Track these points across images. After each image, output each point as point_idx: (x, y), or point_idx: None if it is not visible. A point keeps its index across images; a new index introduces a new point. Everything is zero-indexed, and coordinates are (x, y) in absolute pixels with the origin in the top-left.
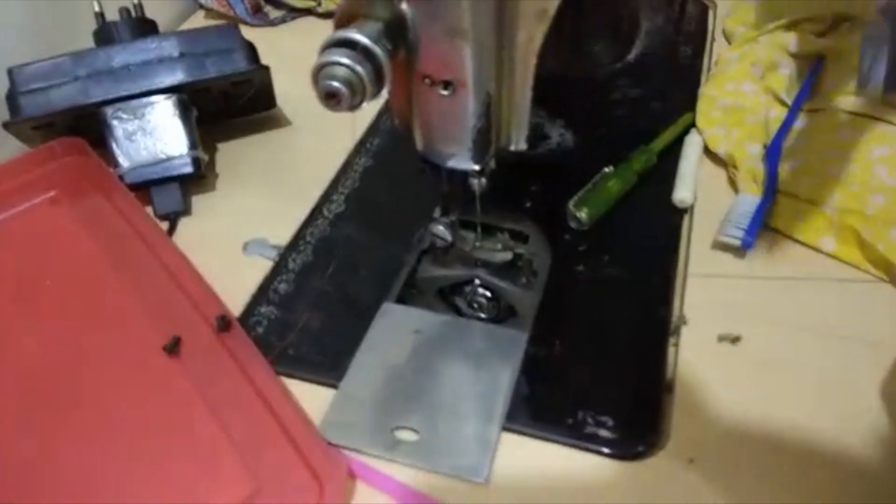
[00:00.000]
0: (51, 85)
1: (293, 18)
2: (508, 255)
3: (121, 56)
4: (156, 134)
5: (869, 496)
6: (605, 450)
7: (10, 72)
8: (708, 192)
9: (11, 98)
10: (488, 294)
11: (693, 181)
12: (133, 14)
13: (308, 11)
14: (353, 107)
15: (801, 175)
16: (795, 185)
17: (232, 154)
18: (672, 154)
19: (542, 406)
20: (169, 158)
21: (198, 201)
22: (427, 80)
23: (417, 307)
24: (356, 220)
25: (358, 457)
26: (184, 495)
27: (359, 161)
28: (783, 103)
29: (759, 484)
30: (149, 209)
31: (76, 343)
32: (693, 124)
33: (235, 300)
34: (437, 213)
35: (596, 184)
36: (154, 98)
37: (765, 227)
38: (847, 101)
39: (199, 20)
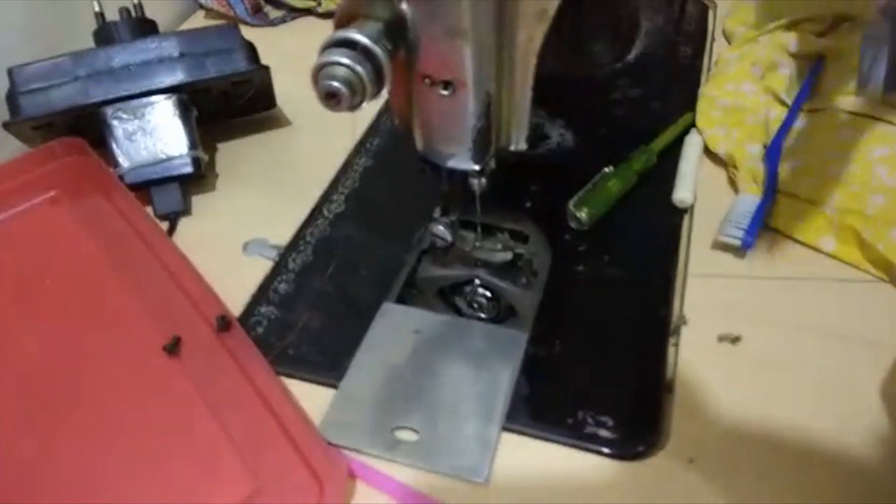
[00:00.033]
0: (51, 85)
1: (293, 18)
2: (508, 255)
3: (121, 56)
4: (156, 134)
5: (869, 496)
6: (605, 450)
7: (10, 72)
8: (708, 192)
9: (11, 98)
10: (488, 294)
11: (693, 181)
12: (133, 14)
13: (308, 11)
14: (354, 107)
15: (801, 175)
16: (795, 185)
17: (232, 154)
18: (672, 154)
19: (542, 406)
20: (169, 158)
21: (198, 201)
22: (427, 80)
23: (417, 307)
24: (356, 220)
25: (358, 457)
26: (184, 495)
27: (359, 161)
28: (783, 103)
29: (760, 484)
30: (149, 209)
31: (76, 343)
32: (693, 124)
33: (235, 300)
34: (437, 213)
35: (596, 184)
36: (154, 98)
37: (765, 227)
38: (847, 101)
39: (199, 20)
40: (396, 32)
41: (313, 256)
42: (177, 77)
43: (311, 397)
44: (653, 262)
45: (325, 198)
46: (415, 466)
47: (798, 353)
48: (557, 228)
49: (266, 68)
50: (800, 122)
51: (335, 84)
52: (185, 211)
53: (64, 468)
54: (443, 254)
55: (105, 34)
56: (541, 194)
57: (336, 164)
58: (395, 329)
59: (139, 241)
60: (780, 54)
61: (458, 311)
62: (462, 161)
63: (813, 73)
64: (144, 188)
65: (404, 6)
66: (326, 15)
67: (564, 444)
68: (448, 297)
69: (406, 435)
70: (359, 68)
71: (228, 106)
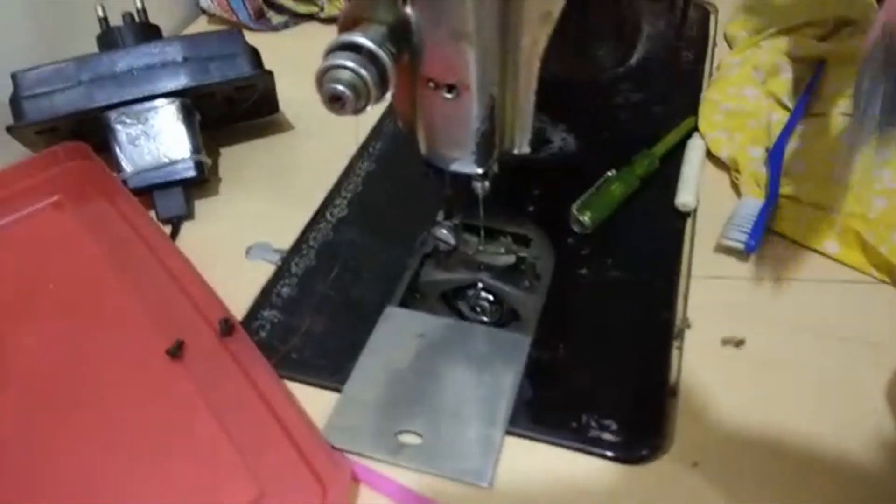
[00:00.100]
0: (54, 89)
1: (296, 24)
2: (511, 259)
3: (124, 61)
4: (159, 138)
5: (872, 500)
6: (609, 453)
7: (13, 76)
8: (710, 195)
9: (15, 102)
10: (491, 298)
11: (696, 185)
12: (136, 19)
13: (311, 17)
14: (358, 110)
15: (804, 178)
16: (798, 189)
17: (235, 158)
18: (674, 158)
19: (545, 409)
20: (172, 162)
21: (201, 205)
22: (431, 84)
23: (420, 311)
24: (359, 224)
25: (361, 460)
26: (187, 499)
27: (361, 165)
28: (785, 107)
29: (762, 488)
30: (152, 213)
31: (79, 347)
32: (695, 128)
33: (238, 304)
34: (440, 216)
35: (599, 187)
36: (157, 102)
37: (768, 230)
38: (848, 104)
39: (201, 25)
40: (400, 36)
41: (316, 260)
42: (180, 82)
43: (315, 401)
44: (656, 266)
45: (328, 202)
46: (418, 470)
47: (801, 356)
48: (560, 232)
49: (269, 73)
50: (802, 126)
51: (339, 87)
52: (189, 215)
53: (66, 471)
54: (446, 257)
55: (109, 39)
56: (543, 198)
57: (339, 169)
58: (399, 333)
59: (142, 245)
60: (782, 58)
61: (461, 315)
62: (465, 165)
63: (815, 77)
64: (148, 192)
65: (408, 10)
66: (329, 20)
67: (568, 447)
68: (451, 300)
69: (409, 438)
70: (363, 72)
71: (232, 110)
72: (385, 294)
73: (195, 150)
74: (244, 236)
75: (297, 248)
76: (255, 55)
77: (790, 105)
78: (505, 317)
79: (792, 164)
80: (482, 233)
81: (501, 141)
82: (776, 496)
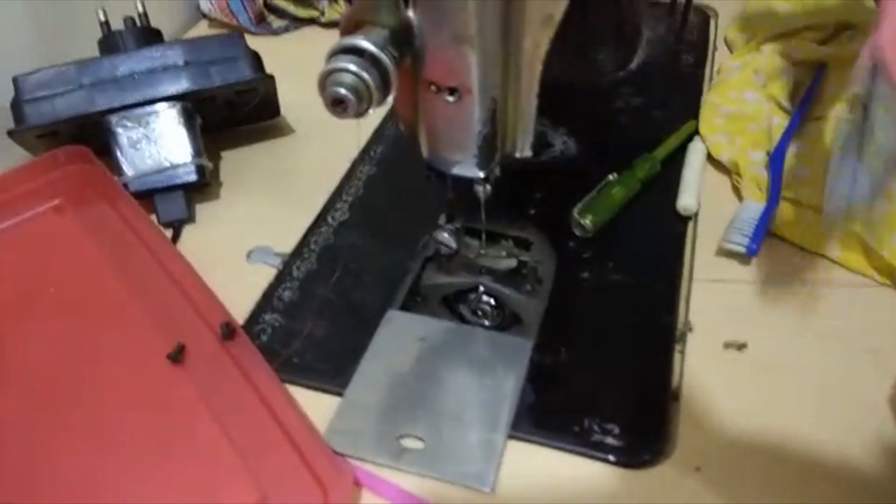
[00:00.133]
0: (55, 93)
1: (296, 28)
2: (513, 263)
3: (126, 64)
4: (160, 142)
5: None
6: (612, 458)
7: (15, 80)
8: (712, 199)
9: (16, 106)
10: (493, 301)
11: (697, 188)
12: (138, 23)
13: (311, 21)
14: (360, 113)
15: (805, 182)
16: (799, 192)
17: (236, 162)
18: (675, 162)
19: (547, 413)
20: (173, 166)
21: (202, 209)
22: (433, 87)
23: (422, 315)
24: (360, 228)
25: (363, 465)
26: (188, 503)
27: (363, 169)
28: (785, 111)
29: (765, 493)
30: (153, 217)
31: (80, 350)
32: (696, 132)
33: (239, 308)
34: (441, 220)
35: (600, 191)
36: (159, 106)
37: (769, 233)
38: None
39: (202, 29)
40: (402, 39)
41: (317, 264)
42: (181, 85)
43: (316, 405)
44: (657, 269)
45: (329, 206)
46: (420, 474)
47: (803, 360)
48: (562, 235)
49: (271, 77)
50: (802, 130)
51: (342, 91)
52: (190, 219)
53: (66, 474)
54: (447, 261)
55: (110, 43)
56: (545, 201)
57: (340, 172)
58: (400, 337)
59: (143, 248)
60: (783, 62)
61: (463, 319)
62: (467, 168)
63: (815, 81)
64: (149, 196)
65: (410, 13)
66: (329, 24)
67: (570, 451)
68: (452, 304)
69: (411, 443)
70: (365, 75)
71: (233, 114)
72: (386, 298)
73: (196, 153)
74: (245, 240)
75: (298, 251)
76: (256, 59)
77: (791, 108)
78: (506, 320)
79: (793, 168)
80: (484, 236)
81: (503, 144)
82: (778, 501)
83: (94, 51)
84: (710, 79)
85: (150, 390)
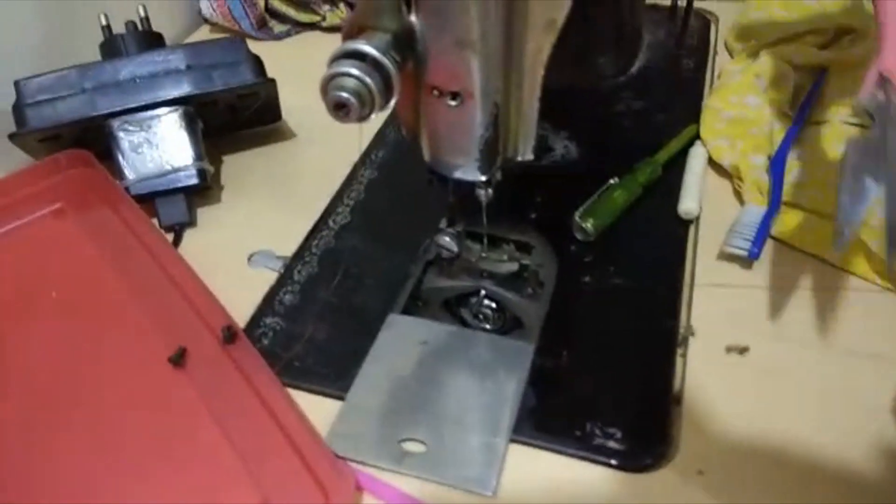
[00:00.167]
0: (57, 97)
1: (298, 32)
2: (514, 266)
3: (127, 68)
4: (162, 146)
5: None
6: (614, 462)
7: (16, 84)
8: (713, 203)
9: (18, 110)
10: (494, 305)
11: (698, 192)
12: (140, 27)
13: (313, 26)
14: (362, 118)
15: (806, 186)
16: (801, 196)
17: (237, 166)
18: (677, 166)
19: (549, 417)
20: (175, 170)
21: (203, 213)
22: (435, 92)
23: (423, 318)
24: (361, 232)
25: (364, 468)
26: None
27: (364, 173)
28: (786, 115)
29: (767, 497)
30: (154, 221)
31: (81, 354)
32: (697, 136)
33: (241, 311)
34: (443, 223)
35: (601, 195)
36: (160, 110)
37: (770, 237)
38: (849, 112)
39: (204, 34)
40: (405, 44)
41: (319, 268)
42: (183, 89)
43: (318, 409)
44: (659, 273)
45: (331, 209)
46: (421, 478)
47: (804, 364)
48: (563, 239)
49: (272, 81)
50: (803, 134)
51: (344, 95)
52: (191, 222)
53: (66, 476)
54: (448, 265)
55: (112, 47)
56: (546, 205)
57: (341, 176)
58: (402, 340)
59: (144, 252)
60: (783, 66)
61: (464, 323)
62: (469, 172)
63: (816, 85)
64: (150, 200)
65: (413, 18)
66: (331, 29)
67: (572, 455)
68: (454, 308)
69: (413, 446)
70: (368, 79)
71: (234, 118)
72: (388, 301)
73: (198, 157)
74: (246, 244)
75: (299, 255)
76: (257, 63)
77: (791, 113)
78: (508, 324)
79: (794, 172)
80: (485, 240)
81: (505, 148)
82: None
83: (95, 55)
84: (711, 83)
85: (150, 393)
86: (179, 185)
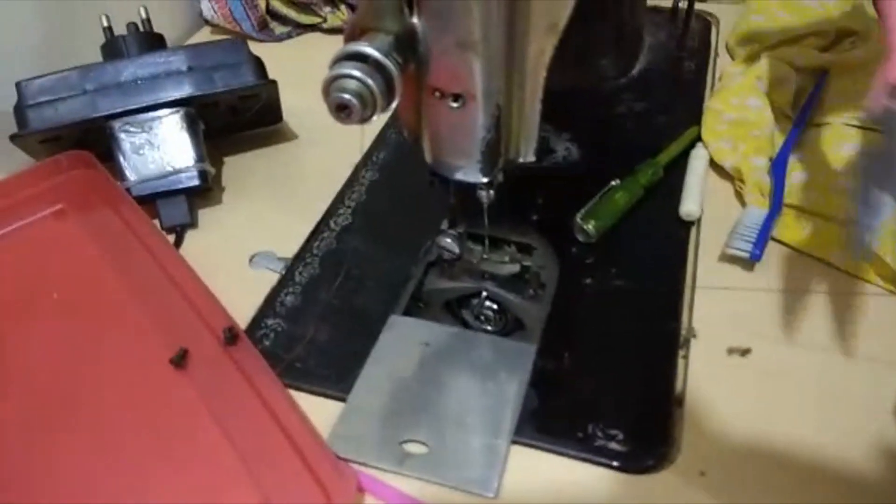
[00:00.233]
0: (58, 98)
1: (299, 34)
2: (516, 268)
3: (129, 70)
4: (163, 147)
5: None
6: (615, 463)
7: (18, 85)
8: (714, 205)
9: (19, 111)
10: (495, 306)
11: (700, 194)
12: (141, 28)
13: (314, 27)
14: (364, 119)
15: (808, 188)
16: (802, 198)
17: (238, 167)
18: (678, 167)
19: (551, 419)
20: (176, 171)
21: (204, 214)
22: (437, 93)
23: (425, 320)
24: (363, 233)
25: (366, 470)
26: None
27: (365, 174)
28: (788, 117)
29: (768, 498)
30: (155, 222)
31: (82, 354)
32: (699, 138)
33: (242, 313)
34: (444, 225)
35: (603, 197)
36: (161, 111)
37: (772, 239)
38: (850, 114)
39: (205, 36)
40: (407, 46)
41: (320, 269)
42: (184, 91)
43: (319, 410)
44: (661, 275)
45: (332, 211)
46: (423, 480)
47: (806, 366)
48: (565, 241)
49: (273, 83)
50: (805, 136)
51: (346, 96)
52: (192, 224)
53: (66, 476)
54: (450, 266)
55: (113, 48)
56: (548, 207)
57: (342, 178)
58: (403, 342)
59: (146, 253)
60: (785, 69)
61: (466, 324)
62: (470, 173)
63: (817, 87)
64: (151, 201)
65: (415, 20)
66: (332, 31)
67: (574, 457)
68: (455, 309)
69: (414, 448)
70: (370, 81)
71: (235, 120)
72: (389, 303)
73: (199, 158)
74: (248, 245)
75: (300, 256)
76: (258, 65)
77: (793, 115)
78: (509, 326)
79: (796, 174)
80: (486, 241)
81: (507, 150)
82: None
83: (97, 56)
84: (712, 85)
85: (151, 394)
86: (181, 186)
